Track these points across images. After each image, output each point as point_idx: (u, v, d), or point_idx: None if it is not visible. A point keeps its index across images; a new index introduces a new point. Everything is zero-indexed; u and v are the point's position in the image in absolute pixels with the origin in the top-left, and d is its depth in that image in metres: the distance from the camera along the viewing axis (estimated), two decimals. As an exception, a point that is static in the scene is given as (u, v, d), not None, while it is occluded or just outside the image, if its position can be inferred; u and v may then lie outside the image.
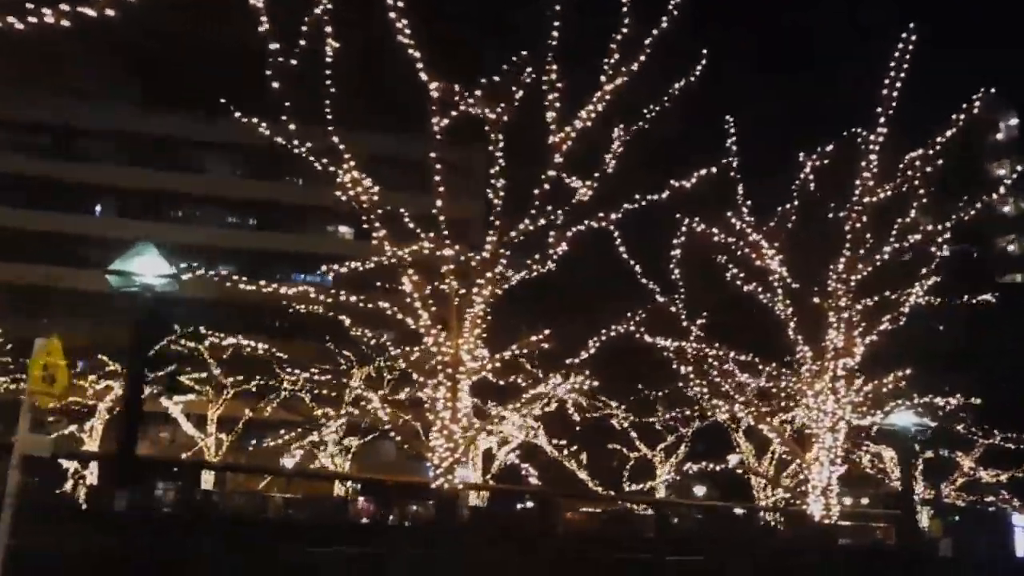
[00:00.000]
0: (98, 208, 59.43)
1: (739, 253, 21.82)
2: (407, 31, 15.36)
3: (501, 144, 17.69)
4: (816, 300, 21.37)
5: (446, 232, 16.90)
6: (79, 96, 50.91)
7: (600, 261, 23.05)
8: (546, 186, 17.55)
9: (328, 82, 16.03)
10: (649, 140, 19.03)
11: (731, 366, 22.10)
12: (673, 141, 19.03)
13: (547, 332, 17.74)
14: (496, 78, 16.21)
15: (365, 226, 16.36)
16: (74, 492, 38.72)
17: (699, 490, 55.69)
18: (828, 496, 21.57)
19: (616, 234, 21.46)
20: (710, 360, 21.91)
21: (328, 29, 15.63)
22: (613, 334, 18.79)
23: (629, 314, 18.89)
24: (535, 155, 18.04)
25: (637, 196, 17.51)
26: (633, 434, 44.48)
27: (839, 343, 21.10)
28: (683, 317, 21.89)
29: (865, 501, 56.65)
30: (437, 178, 16.32)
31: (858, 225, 21.12)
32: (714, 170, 17.87)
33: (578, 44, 18.20)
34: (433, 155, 16.30)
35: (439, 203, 16.59)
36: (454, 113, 16.74)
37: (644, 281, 21.88)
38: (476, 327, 17.05)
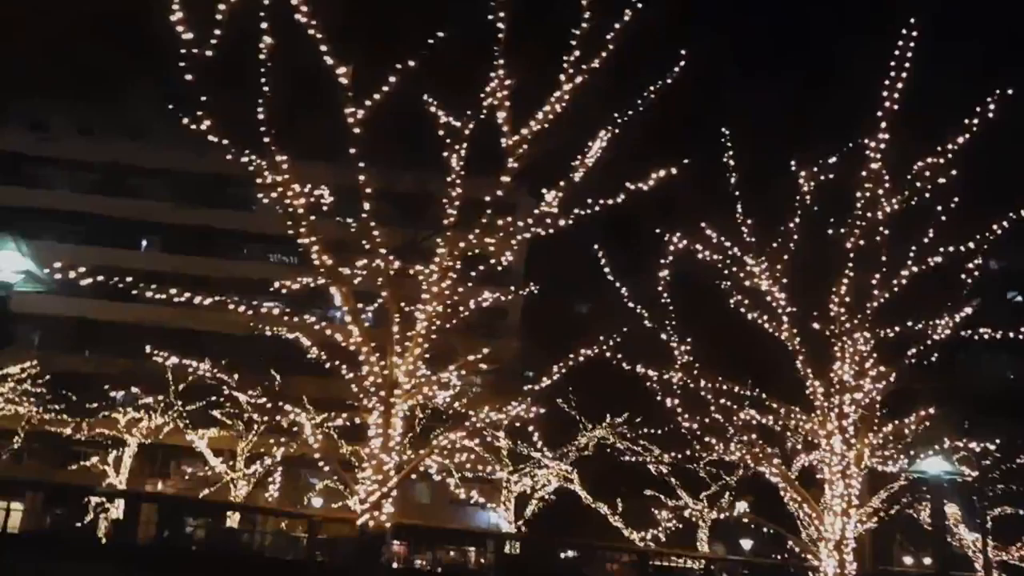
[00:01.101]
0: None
1: (740, 275, 19.58)
2: (304, 7, 13.78)
3: (461, 152, 16.01)
4: (816, 326, 18.94)
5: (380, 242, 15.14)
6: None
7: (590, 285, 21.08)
8: (499, 193, 15.73)
9: (264, 81, 14.50)
10: (634, 147, 17.13)
11: (728, 401, 19.70)
12: (666, 150, 16.96)
13: (485, 351, 15.85)
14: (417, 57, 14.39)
15: (292, 231, 14.65)
16: (95, 525, 37.94)
17: (746, 543, 52.48)
18: (843, 551, 18.96)
19: (600, 254, 19.55)
20: (703, 393, 19.55)
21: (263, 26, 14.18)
22: (581, 359, 16.65)
23: (602, 338, 16.78)
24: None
25: (590, 200, 15.52)
26: (674, 481, 42.14)
27: (845, 376, 18.64)
28: (673, 344, 19.66)
29: (928, 561, 52.81)
30: (362, 178, 14.58)
31: (862, 242, 18.71)
32: (674, 171, 15.78)
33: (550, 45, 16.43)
34: (353, 152, 14.55)
35: (366, 205, 14.85)
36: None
37: (631, 305, 19.77)
38: (417, 347, 15.22)
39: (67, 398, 41.64)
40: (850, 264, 18.66)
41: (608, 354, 17.76)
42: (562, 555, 47.63)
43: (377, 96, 14.44)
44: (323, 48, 13.98)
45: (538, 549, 43.19)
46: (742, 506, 35.37)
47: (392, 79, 14.49)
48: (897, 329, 20.02)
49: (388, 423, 14.70)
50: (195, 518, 40.52)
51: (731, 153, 19.65)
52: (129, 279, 14.21)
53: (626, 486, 44.66)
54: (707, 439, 20.00)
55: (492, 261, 15.65)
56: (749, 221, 19.78)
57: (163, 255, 54.80)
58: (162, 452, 46.43)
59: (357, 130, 14.28)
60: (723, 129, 19.75)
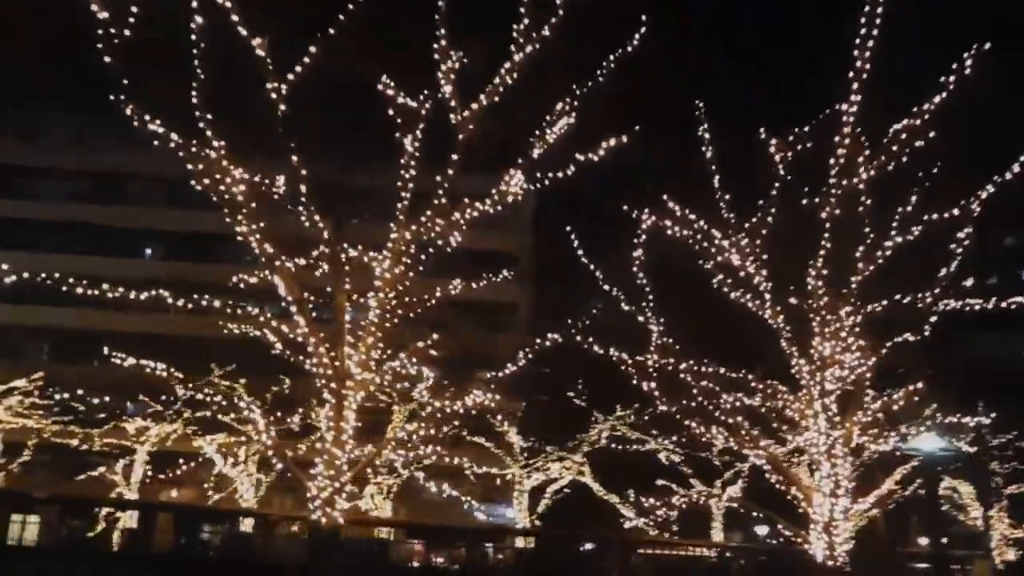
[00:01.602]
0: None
1: (718, 252, 18.64)
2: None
3: (416, 134, 15.20)
4: (793, 301, 17.96)
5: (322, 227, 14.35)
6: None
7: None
8: (450, 171, 14.90)
9: (196, 64, 13.77)
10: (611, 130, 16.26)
11: (710, 383, 18.76)
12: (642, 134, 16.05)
13: (435, 337, 15.03)
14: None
15: (230, 219, 13.87)
16: (108, 535, 37.56)
17: (761, 530, 51.26)
18: (832, 534, 18.00)
19: (572, 236, 18.70)
20: (683, 376, 18.60)
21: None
22: (548, 344, 15.79)
23: (570, 321, 15.91)
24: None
25: (539, 175, 14.66)
26: (687, 470, 41.15)
27: (826, 351, 17.66)
28: (651, 327, 18.74)
29: (945, 541, 51.50)
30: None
31: (838, 212, 17.71)
32: (624, 139, 14.89)
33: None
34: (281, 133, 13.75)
35: (303, 187, 14.04)
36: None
37: (606, 287, 18.88)
38: (370, 335, 14.42)
39: (75, 409, 41.29)
40: (826, 235, 17.65)
41: (579, 339, 16.89)
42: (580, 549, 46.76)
43: (299, 68, 13.62)
44: (235, 18, 13.18)
45: (553, 544, 42.44)
46: (734, 490, 34.26)
47: (312, 49, 13.67)
48: (885, 303, 19.00)
49: (340, 416, 13.92)
50: (211, 525, 40.09)
51: (705, 126, 18.67)
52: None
53: (637, 477, 43.79)
54: (687, 423, 19.02)
55: (441, 244, 14.75)
56: (727, 196, 18.83)
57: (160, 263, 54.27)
58: (174, 459, 45.89)
59: (282, 107, 13.48)
60: (697, 101, 18.78)
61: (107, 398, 40.20)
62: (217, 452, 41.36)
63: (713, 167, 18.81)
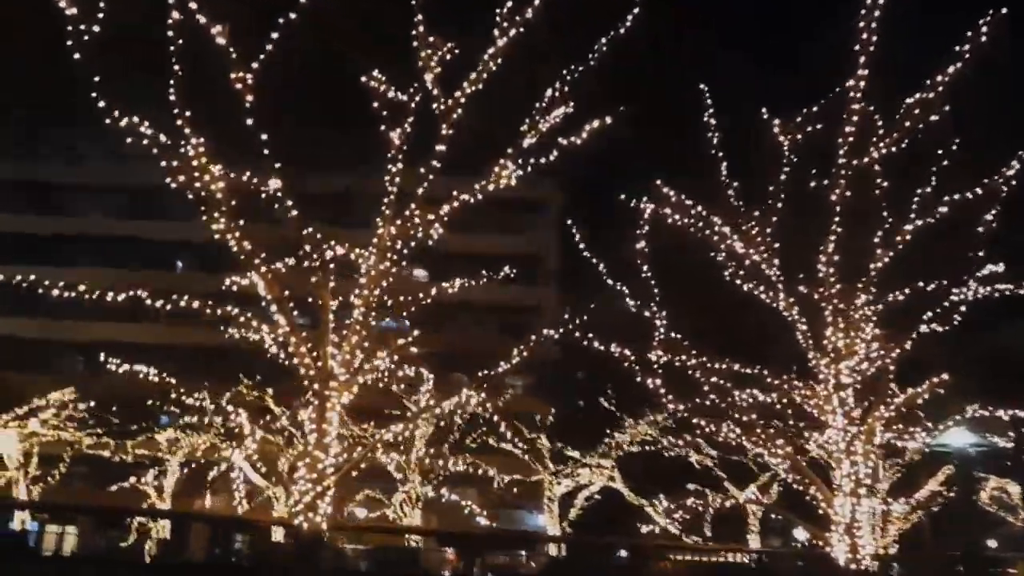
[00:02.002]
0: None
1: (726, 242, 17.71)
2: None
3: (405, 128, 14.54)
4: (803, 290, 16.96)
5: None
6: None
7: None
8: (435, 164, 14.20)
9: (172, 60, 13.23)
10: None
11: (721, 380, 17.78)
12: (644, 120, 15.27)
13: (416, 333, 14.30)
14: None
15: (206, 219, 13.26)
16: (139, 545, 37.31)
17: (801, 534, 49.74)
18: (854, 535, 16.94)
19: (573, 228, 17.89)
20: (692, 372, 17.66)
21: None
22: (543, 341, 14.99)
23: (567, 317, 15.11)
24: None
25: (530, 161, 13.90)
26: (721, 473, 39.93)
27: (839, 343, 16.63)
28: (657, 321, 17.84)
29: (993, 544, 49.63)
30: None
31: (847, 194, 16.68)
32: (609, 120, 14.06)
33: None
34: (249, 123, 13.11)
35: (276, 183, 13.40)
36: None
37: (610, 282, 18.04)
38: (355, 334, 13.74)
39: (109, 421, 41.26)
40: (836, 219, 16.62)
41: (577, 334, 16.08)
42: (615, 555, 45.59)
43: (263, 56, 13.00)
44: (193, 5, 12.60)
45: (586, 551, 41.35)
46: (749, 492, 32.93)
47: (275, 35, 13.05)
48: (907, 291, 17.94)
49: (323, 418, 13.25)
50: (243, 535, 39.68)
51: (711, 110, 17.76)
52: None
53: (670, 482, 42.68)
54: (696, 421, 18.06)
55: (423, 238, 14.02)
56: (734, 184, 17.90)
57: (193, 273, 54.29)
58: (208, 469, 45.70)
59: (249, 97, 12.86)
60: (701, 86, 17.89)
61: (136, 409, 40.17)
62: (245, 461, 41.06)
63: (718, 153, 17.88)
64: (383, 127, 14.53)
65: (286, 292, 13.44)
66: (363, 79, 14.46)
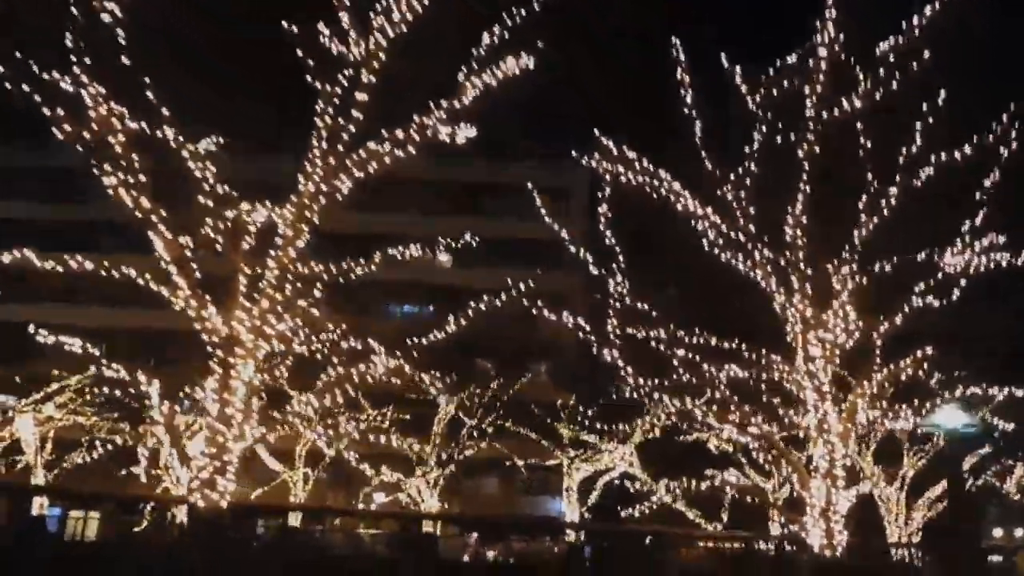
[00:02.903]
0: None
1: (676, 201, 16.09)
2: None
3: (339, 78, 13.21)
4: (768, 254, 15.33)
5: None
6: None
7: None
8: (354, 112, 12.85)
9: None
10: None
11: (690, 353, 16.24)
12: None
13: (317, 295, 12.93)
14: None
15: (97, 170, 12.03)
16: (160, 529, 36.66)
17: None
18: (830, 520, 15.35)
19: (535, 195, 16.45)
20: (656, 345, 16.15)
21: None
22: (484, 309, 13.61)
23: (513, 290, 13.72)
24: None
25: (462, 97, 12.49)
26: (741, 458, 38.23)
27: (807, 312, 15.00)
28: (625, 293, 16.36)
29: (1020, 533, 47.30)
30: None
31: (817, 149, 15.00)
32: (530, 59, 12.56)
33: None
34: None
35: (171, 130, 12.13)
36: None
37: (572, 249, 16.61)
38: (268, 298, 12.48)
39: (126, 406, 40.72)
40: (805, 177, 14.96)
41: (525, 302, 14.71)
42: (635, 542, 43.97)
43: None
44: None
45: (607, 537, 39.84)
46: (731, 477, 31.12)
47: None
48: (895, 262, 16.25)
49: (226, 388, 12.01)
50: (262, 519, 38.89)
51: (683, 65, 16.13)
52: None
53: (689, 468, 41.18)
54: (658, 396, 16.53)
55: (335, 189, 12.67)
56: (704, 144, 16.31)
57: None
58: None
59: (120, 32, 11.59)
60: (673, 38, 16.27)
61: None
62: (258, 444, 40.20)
63: (691, 112, 16.28)
64: (308, 77, 13.20)
65: (187, 252, 12.20)
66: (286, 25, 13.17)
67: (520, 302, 16.40)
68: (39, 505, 31.60)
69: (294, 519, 39.11)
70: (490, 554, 40.91)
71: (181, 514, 35.67)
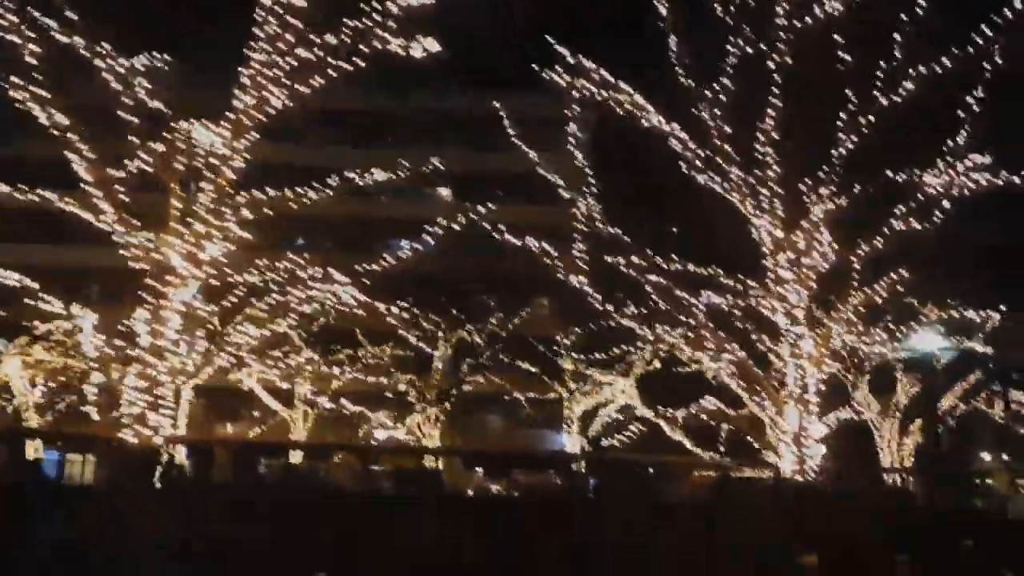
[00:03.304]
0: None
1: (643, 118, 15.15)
2: None
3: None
4: (737, 172, 14.43)
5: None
6: None
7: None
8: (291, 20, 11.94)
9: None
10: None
11: (663, 279, 15.45)
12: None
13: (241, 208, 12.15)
14: None
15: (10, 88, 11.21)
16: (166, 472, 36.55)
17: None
18: (802, 445, 14.77)
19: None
20: (626, 270, 15.36)
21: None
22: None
23: (470, 213, 12.92)
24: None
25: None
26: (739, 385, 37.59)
27: (777, 233, 14.17)
28: (596, 217, 15.54)
29: (1006, 457, 46.70)
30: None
31: (789, 60, 14.00)
32: None
33: None
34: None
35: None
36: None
37: (543, 172, 15.77)
38: (201, 223, 11.75)
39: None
40: (774, 89, 13.98)
41: (489, 227, 13.95)
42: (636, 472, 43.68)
43: None
44: None
45: (609, 467, 39.53)
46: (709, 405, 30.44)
47: None
48: (876, 183, 15.35)
49: (158, 318, 11.36)
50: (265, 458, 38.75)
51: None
52: None
53: (685, 397, 40.74)
54: (624, 323, 15.82)
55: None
56: (685, 61, 15.27)
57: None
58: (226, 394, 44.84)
59: None
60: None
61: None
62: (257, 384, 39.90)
63: (663, 24, 15.21)
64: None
65: (111, 172, 11.44)
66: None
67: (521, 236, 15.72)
68: (32, 448, 31.43)
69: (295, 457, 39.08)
70: (495, 488, 40.80)
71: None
